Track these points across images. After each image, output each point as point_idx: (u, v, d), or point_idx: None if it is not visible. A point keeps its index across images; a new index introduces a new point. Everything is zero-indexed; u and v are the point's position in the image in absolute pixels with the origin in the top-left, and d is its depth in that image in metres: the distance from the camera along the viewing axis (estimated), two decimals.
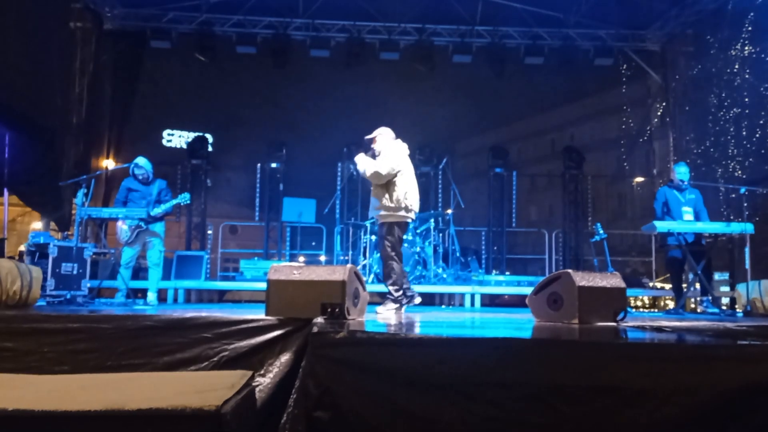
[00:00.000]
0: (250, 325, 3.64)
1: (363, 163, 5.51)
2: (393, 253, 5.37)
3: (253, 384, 3.09)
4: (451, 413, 2.70)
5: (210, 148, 12.12)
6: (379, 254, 5.74)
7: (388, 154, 5.48)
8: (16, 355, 3.53)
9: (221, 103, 11.82)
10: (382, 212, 5.42)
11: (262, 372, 3.46)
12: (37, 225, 11.54)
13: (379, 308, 5.32)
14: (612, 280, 4.30)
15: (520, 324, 4.32)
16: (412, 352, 2.86)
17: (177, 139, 12.90)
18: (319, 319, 3.59)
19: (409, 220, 5.55)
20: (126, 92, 11.83)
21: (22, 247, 7.60)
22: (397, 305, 5.35)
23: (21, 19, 8.57)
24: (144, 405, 2.15)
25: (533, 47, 11.63)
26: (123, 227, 6.78)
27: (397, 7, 11.47)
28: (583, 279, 4.14)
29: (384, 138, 5.70)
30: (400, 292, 5.38)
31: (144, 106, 11.90)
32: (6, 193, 8.18)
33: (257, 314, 3.76)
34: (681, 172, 7.00)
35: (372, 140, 5.72)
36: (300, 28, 11.72)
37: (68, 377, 2.92)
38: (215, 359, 3.56)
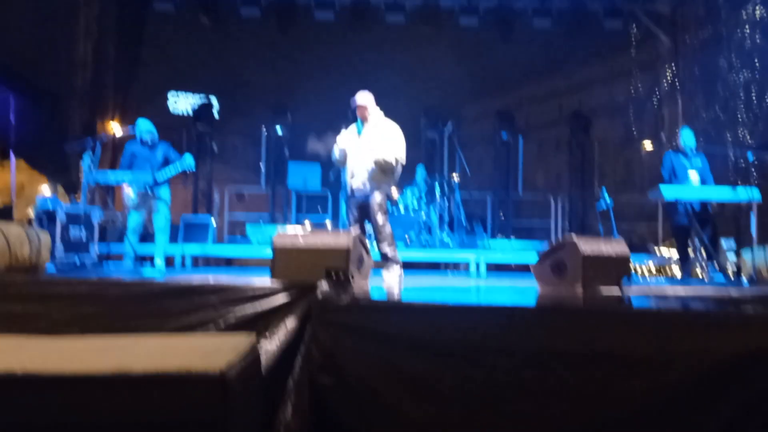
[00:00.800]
0: (256, 291, 3.67)
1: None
2: (386, 216, 5.44)
3: (258, 348, 3.13)
4: (454, 379, 2.74)
5: (216, 115, 12.05)
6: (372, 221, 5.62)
7: (400, 138, 5.52)
8: (24, 319, 3.57)
9: (226, 67, 11.72)
10: (382, 182, 5.42)
11: (267, 337, 3.50)
12: (45, 190, 11.59)
13: (384, 273, 5.34)
14: (616, 246, 4.29)
15: (524, 291, 4.34)
16: (415, 318, 2.90)
17: (183, 102, 12.81)
18: (324, 285, 3.61)
19: None
20: (130, 56, 11.75)
21: (30, 212, 7.66)
22: (400, 266, 5.41)
23: None
24: (150, 367, 2.19)
25: (541, 9, 11.37)
26: (129, 192, 6.81)
27: None
28: (587, 246, 4.14)
29: (375, 110, 5.60)
30: (396, 252, 5.47)
31: (148, 70, 11.82)
32: (13, 157, 8.19)
33: (263, 280, 3.79)
34: (686, 136, 6.96)
35: (360, 107, 5.57)
36: None
37: (75, 339, 2.96)
38: (221, 323, 3.60)
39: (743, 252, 6.60)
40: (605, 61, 11.84)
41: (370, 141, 5.46)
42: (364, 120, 5.59)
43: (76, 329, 3.51)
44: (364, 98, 5.56)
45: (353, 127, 5.72)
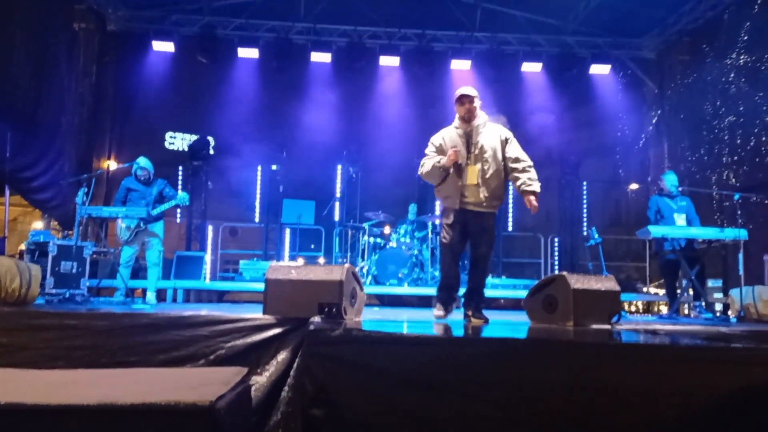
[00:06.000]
0: (247, 323, 3.65)
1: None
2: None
3: (250, 382, 3.12)
4: (448, 411, 2.72)
5: (211, 150, 12.15)
6: (483, 265, 4.84)
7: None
8: (9, 351, 3.53)
9: (222, 105, 11.83)
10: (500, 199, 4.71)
11: (258, 371, 3.48)
12: (38, 224, 11.56)
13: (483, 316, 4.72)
14: (606, 283, 4.34)
15: (516, 326, 4.36)
16: (408, 350, 2.89)
17: (179, 141, 12.91)
18: (317, 319, 3.62)
19: None
20: (128, 93, 11.90)
21: (23, 246, 7.63)
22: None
23: (26, 19, 8.63)
24: (137, 400, 2.16)
25: (531, 53, 11.73)
26: (122, 226, 6.83)
27: (397, 11, 11.55)
28: (578, 282, 4.17)
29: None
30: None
31: (146, 108, 11.92)
32: (7, 191, 8.20)
33: (255, 313, 3.78)
34: (670, 180, 7.17)
35: (470, 98, 4.65)
36: (301, 32, 11.80)
37: (62, 372, 2.94)
38: (211, 357, 3.57)
39: (731, 291, 6.66)
40: (593, 104, 12.11)
41: (486, 146, 4.63)
42: (469, 119, 4.68)
43: (64, 361, 3.48)
44: (470, 90, 4.70)
45: (450, 131, 4.79)
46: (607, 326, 4.14)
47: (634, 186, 12.82)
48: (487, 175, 4.56)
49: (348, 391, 2.83)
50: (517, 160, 4.62)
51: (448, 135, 4.73)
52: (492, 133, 4.66)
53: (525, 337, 3.36)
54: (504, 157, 4.63)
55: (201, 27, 11.56)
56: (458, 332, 3.45)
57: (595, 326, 4.11)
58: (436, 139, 4.78)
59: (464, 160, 4.57)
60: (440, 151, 4.69)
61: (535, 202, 4.57)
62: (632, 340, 3.31)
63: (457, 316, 4.88)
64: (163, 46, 11.30)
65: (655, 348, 3.08)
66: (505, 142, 4.65)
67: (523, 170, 4.59)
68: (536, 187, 4.56)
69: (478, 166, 4.56)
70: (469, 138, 4.62)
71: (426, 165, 4.72)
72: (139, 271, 8.14)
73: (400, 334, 3.01)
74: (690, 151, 10.70)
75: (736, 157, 9.48)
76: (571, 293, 4.10)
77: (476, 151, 4.58)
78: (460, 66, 11.52)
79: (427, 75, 11.57)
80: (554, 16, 11.60)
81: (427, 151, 4.78)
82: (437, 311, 4.76)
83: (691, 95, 10.70)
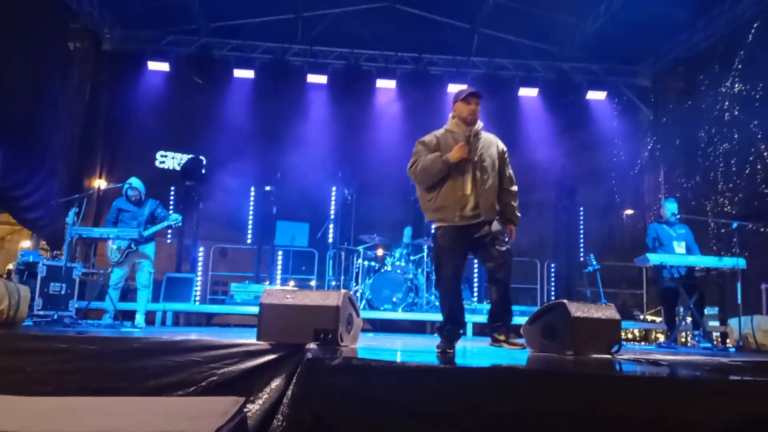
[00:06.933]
0: (241, 349, 3.56)
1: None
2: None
3: (245, 411, 3.02)
4: None
5: (203, 170, 12.06)
6: (503, 273, 4.52)
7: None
8: None
9: (217, 126, 11.78)
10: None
11: (251, 398, 3.38)
12: (27, 244, 11.42)
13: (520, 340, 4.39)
14: (607, 311, 4.27)
15: (515, 354, 4.27)
16: (407, 380, 2.82)
17: (170, 160, 12.81)
18: (312, 345, 3.52)
19: None
20: (122, 113, 11.84)
21: (11, 266, 7.51)
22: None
23: (21, 38, 8.60)
24: (135, 430, 2.10)
25: (527, 79, 11.81)
26: (113, 247, 6.72)
27: (394, 35, 11.63)
28: (578, 310, 4.11)
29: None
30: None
31: (139, 127, 11.85)
32: None
33: (248, 338, 3.69)
34: (669, 207, 7.16)
35: (477, 99, 4.43)
36: (298, 53, 11.84)
37: (56, 399, 2.85)
38: (203, 384, 3.47)
39: (730, 320, 6.62)
40: (589, 130, 12.18)
41: (486, 155, 4.26)
42: (472, 122, 4.33)
43: (53, 386, 3.39)
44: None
45: (442, 134, 4.38)
46: (608, 356, 4.07)
47: (629, 212, 12.84)
48: (486, 186, 4.16)
49: (347, 422, 2.76)
50: (512, 181, 4.39)
51: (443, 136, 4.30)
52: (491, 142, 4.33)
53: (527, 367, 3.28)
54: (500, 172, 4.31)
55: (197, 48, 11.58)
56: (460, 361, 3.37)
57: (595, 355, 4.04)
58: (428, 138, 4.32)
59: (474, 157, 4.12)
60: (434, 150, 4.22)
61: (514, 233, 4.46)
62: (634, 372, 3.25)
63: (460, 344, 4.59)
64: (158, 66, 11.27)
65: (657, 380, 3.02)
66: (503, 155, 4.37)
67: (515, 195, 4.40)
68: (518, 218, 4.46)
69: (477, 174, 4.15)
70: (469, 142, 4.16)
71: (423, 160, 4.16)
72: (127, 292, 8.00)
73: (402, 364, 2.93)
74: (685, 178, 10.75)
75: (731, 185, 9.52)
76: (572, 321, 4.04)
77: (475, 158, 4.16)
78: (457, 90, 11.54)
79: (423, 98, 11.61)
80: (551, 42, 11.72)
81: (416, 150, 4.30)
82: (444, 347, 4.18)
83: (686, 122, 10.79)
